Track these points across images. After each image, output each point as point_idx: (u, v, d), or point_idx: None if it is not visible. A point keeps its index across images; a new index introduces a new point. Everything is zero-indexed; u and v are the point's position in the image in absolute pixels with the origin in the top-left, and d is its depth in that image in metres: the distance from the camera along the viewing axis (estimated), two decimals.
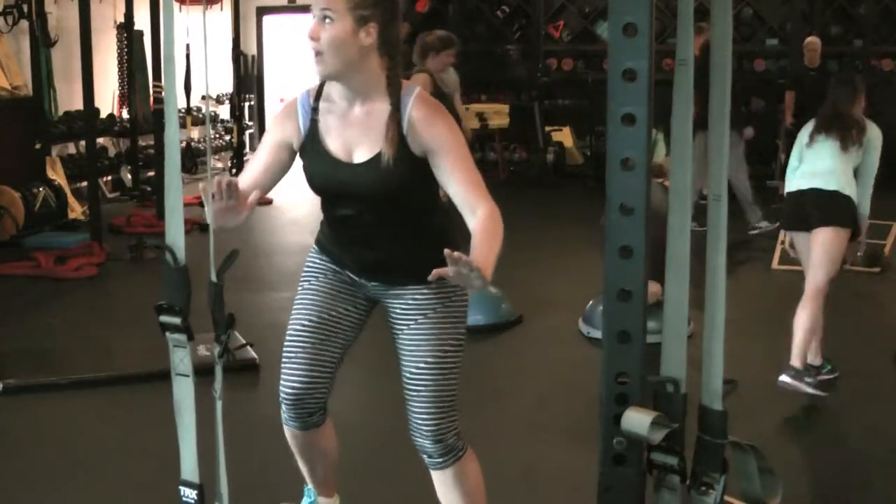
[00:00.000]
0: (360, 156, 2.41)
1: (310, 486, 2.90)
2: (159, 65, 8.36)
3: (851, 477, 3.61)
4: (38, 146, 8.38)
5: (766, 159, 10.45)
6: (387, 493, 3.37)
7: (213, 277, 2.12)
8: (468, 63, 11.70)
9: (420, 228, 2.51)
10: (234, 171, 10.53)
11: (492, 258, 2.22)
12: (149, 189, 9.62)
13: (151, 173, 9.77)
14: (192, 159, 10.67)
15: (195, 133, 11.38)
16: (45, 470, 3.55)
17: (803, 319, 4.21)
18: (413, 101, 2.38)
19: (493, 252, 2.24)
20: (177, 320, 2.10)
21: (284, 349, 2.60)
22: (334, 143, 2.44)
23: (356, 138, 2.42)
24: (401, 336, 2.53)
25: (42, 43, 8.34)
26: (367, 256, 2.55)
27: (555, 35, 12.07)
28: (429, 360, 2.47)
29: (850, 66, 10.87)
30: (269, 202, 9.00)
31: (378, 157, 2.38)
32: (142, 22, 9.29)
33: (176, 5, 2.15)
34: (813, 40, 9.39)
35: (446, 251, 2.04)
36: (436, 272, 2.08)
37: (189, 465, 2.19)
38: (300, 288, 2.65)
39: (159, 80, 8.42)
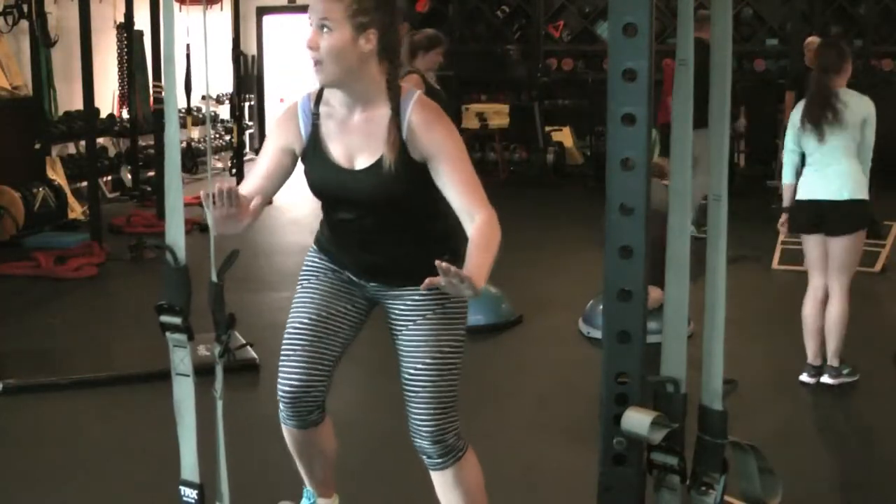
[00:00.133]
0: (362, 162, 2.41)
1: (309, 487, 2.90)
2: (159, 65, 8.36)
3: (851, 477, 3.61)
4: (38, 146, 8.37)
5: (766, 159, 10.46)
6: (386, 493, 3.37)
7: (214, 277, 2.12)
8: (468, 63, 11.79)
9: (422, 233, 2.51)
10: (234, 171, 10.51)
11: (486, 267, 2.22)
12: (149, 189, 9.61)
13: (151, 173, 9.76)
14: (193, 159, 10.67)
15: (195, 133, 11.37)
16: (45, 470, 3.54)
17: (835, 316, 4.31)
18: (413, 106, 2.37)
19: (488, 260, 2.24)
20: (177, 320, 2.11)
21: (282, 347, 2.60)
22: (336, 149, 2.44)
23: (357, 145, 2.41)
24: (400, 337, 2.53)
25: (42, 43, 8.33)
26: (368, 260, 2.55)
27: (555, 35, 12.06)
28: (428, 360, 2.47)
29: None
30: (269, 202, 8.97)
31: (379, 162, 2.37)
32: (142, 22, 9.28)
33: (176, 5, 2.14)
34: (813, 40, 9.36)
35: (437, 262, 2.03)
36: (428, 281, 2.08)
37: (189, 465, 2.19)
38: (299, 287, 2.65)
39: (159, 80, 8.42)
